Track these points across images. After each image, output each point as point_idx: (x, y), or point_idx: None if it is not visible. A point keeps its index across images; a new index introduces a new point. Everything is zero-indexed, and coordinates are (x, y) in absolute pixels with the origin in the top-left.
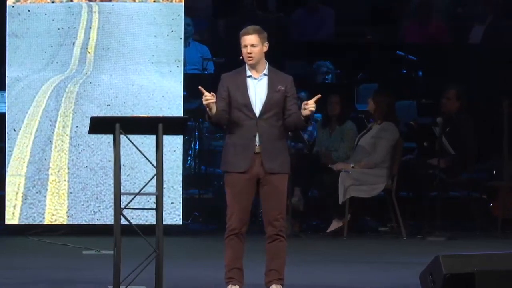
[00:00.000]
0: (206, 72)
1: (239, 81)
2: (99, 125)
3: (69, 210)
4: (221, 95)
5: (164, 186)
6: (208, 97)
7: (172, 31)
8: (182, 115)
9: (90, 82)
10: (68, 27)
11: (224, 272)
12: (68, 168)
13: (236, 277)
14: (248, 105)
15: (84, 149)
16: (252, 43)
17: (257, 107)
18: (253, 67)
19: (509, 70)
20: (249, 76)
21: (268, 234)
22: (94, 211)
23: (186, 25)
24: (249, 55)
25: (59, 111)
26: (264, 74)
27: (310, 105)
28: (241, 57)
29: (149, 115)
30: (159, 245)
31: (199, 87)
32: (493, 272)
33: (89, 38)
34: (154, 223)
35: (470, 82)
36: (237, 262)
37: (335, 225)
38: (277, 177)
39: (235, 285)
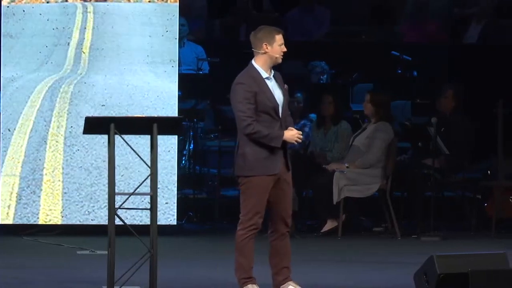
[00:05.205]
0: (201, 72)
1: (260, 83)
2: (93, 125)
3: (63, 210)
4: (250, 101)
5: (159, 186)
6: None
7: (167, 31)
8: (176, 115)
9: (85, 82)
10: (63, 27)
11: (240, 273)
12: (63, 168)
13: (253, 276)
14: (276, 108)
15: (78, 149)
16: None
17: (279, 108)
18: (270, 67)
19: (504, 70)
20: (267, 78)
21: (280, 232)
22: (88, 211)
23: (180, 25)
24: (283, 54)
25: (54, 111)
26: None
27: None
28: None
29: (143, 115)
30: (153, 245)
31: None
32: (487, 272)
33: (84, 38)
34: (149, 223)
35: (465, 82)
36: (252, 261)
37: (329, 225)
38: (290, 175)
39: (254, 283)
